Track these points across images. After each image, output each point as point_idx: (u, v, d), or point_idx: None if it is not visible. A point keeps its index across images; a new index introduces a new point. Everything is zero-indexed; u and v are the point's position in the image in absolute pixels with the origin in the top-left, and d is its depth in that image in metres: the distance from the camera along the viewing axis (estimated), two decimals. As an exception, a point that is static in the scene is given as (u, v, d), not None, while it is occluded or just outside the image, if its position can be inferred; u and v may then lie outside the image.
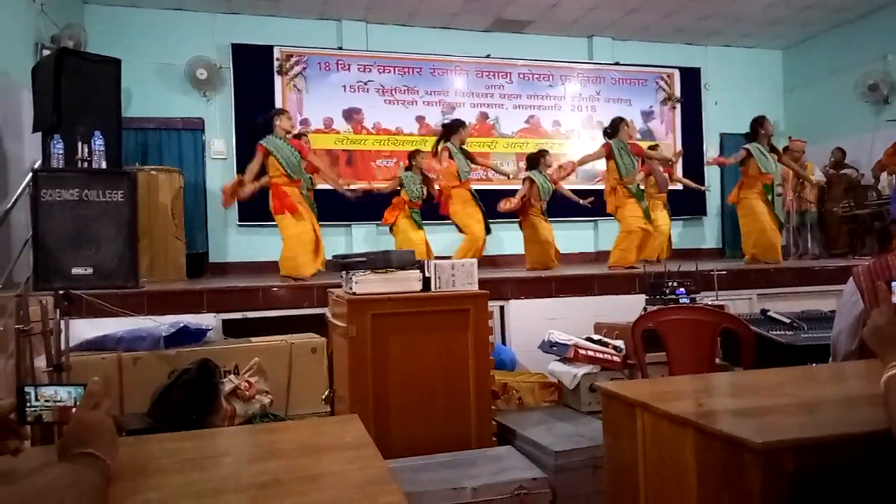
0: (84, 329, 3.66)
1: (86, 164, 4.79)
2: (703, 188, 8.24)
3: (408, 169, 6.52)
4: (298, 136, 5.89)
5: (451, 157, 5.99)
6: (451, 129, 6.14)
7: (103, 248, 4.60)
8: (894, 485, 1.13)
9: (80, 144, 4.79)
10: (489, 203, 6.25)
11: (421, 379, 2.77)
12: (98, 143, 4.85)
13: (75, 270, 4.50)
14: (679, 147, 8.79)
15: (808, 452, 1.09)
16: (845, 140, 8.29)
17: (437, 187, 6.38)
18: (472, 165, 6.33)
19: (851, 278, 2.02)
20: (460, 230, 6.13)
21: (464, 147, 6.19)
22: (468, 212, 6.03)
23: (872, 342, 1.29)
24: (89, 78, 5.09)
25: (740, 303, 4.99)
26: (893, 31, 8.03)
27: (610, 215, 6.53)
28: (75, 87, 4.95)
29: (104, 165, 4.85)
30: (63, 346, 2.99)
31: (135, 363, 3.47)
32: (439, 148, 6.06)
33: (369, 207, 7.47)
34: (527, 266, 6.47)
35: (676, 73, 9.25)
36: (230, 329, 4.46)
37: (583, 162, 6.63)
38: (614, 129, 6.34)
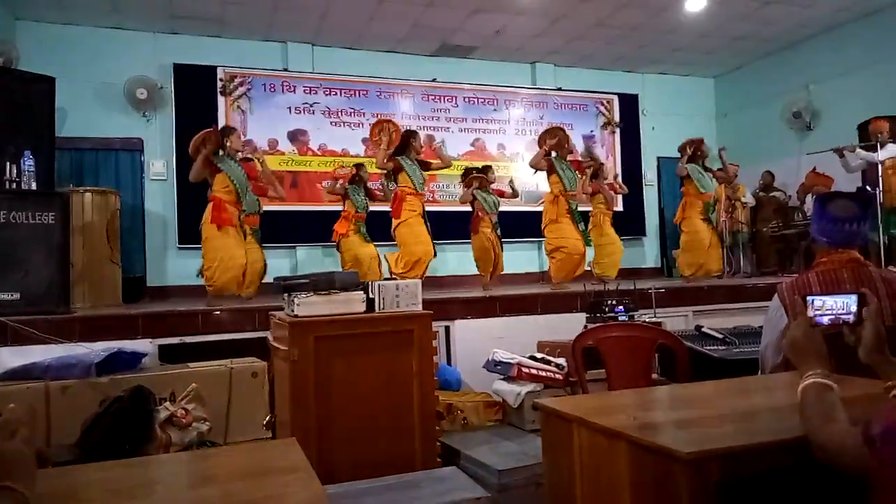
0: (8, 358, 3.48)
1: (14, 185, 4.61)
2: (623, 189, 8.28)
3: (351, 182, 6.54)
4: (247, 160, 5.81)
5: (402, 170, 5.84)
6: (402, 146, 5.94)
7: (32, 273, 4.42)
8: (815, 489, 1.18)
9: (8, 165, 4.61)
10: (436, 225, 6.25)
11: (365, 401, 2.74)
12: (28, 163, 4.69)
13: (0, 296, 4.31)
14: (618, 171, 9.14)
15: (734, 461, 1.13)
16: (774, 163, 8.71)
17: (382, 193, 6.52)
18: (428, 174, 6.25)
19: (776, 294, 2.13)
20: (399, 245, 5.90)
21: (419, 157, 6.00)
22: (415, 231, 5.81)
23: (790, 354, 1.35)
24: (20, 96, 4.93)
25: (677, 319, 5.14)
26: (814, 62, 8.55)
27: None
28: (5, 106, 4.78)
29: (34, 186, 4.68)
30: (-15, 376, 2.83)
31: (63, 392, 3.29)
32: (388, 164, 5.91)
33: (314, 229, 7.42)
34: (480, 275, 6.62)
35: (615, 99, 9.58)
36: (168, 355, 4.30)
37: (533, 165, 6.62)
38: (557, 142, 6.36)
